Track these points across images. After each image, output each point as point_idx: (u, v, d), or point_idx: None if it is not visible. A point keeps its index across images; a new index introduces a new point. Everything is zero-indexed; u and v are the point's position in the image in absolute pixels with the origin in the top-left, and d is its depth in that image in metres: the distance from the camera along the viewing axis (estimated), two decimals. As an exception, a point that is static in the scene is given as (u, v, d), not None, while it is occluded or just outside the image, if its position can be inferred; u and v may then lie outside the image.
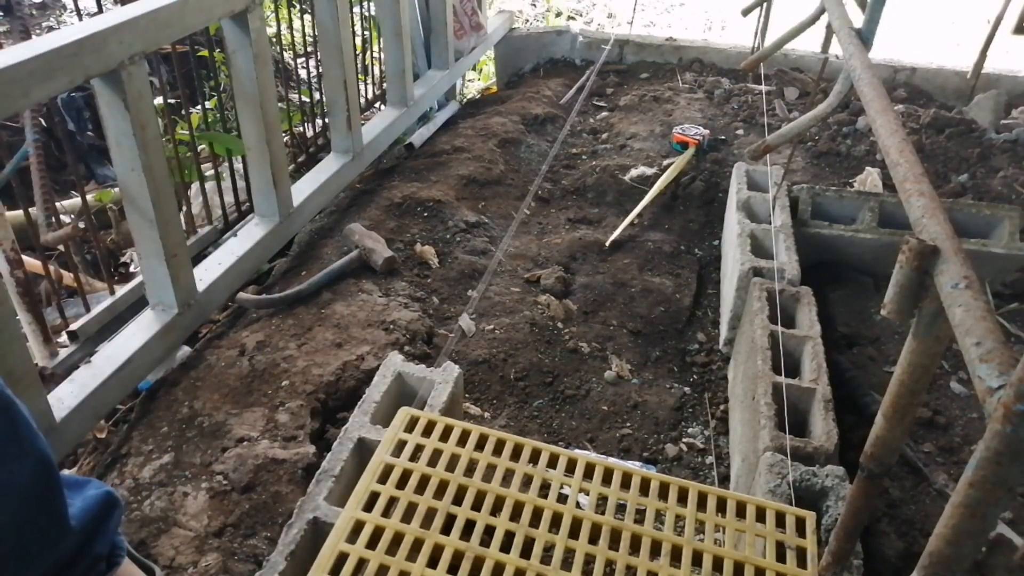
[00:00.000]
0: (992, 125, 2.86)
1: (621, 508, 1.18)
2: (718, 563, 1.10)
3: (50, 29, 4.20)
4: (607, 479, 1.22)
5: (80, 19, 1.57)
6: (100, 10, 1.63)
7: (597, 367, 1.87)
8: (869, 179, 2.48)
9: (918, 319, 0.82)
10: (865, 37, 1.61)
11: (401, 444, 1.25)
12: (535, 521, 1.14)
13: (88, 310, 1.73)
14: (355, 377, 1.70)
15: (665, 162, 2.71)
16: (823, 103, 1.75)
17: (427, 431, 1.28)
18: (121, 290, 1.80)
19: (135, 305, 1.80)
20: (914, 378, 0.85)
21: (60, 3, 4.53)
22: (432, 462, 1.22)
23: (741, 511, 1.18)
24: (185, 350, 1.84)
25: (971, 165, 2.64)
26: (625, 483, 1.22)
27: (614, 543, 1.12)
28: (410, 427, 1.29)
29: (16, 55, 1.25)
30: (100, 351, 1.62)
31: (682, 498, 1.19)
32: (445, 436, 1.27)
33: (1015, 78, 3.25)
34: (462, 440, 1.27)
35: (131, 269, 2.63)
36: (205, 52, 2.26)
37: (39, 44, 1.30)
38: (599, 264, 2.26)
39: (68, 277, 2.13)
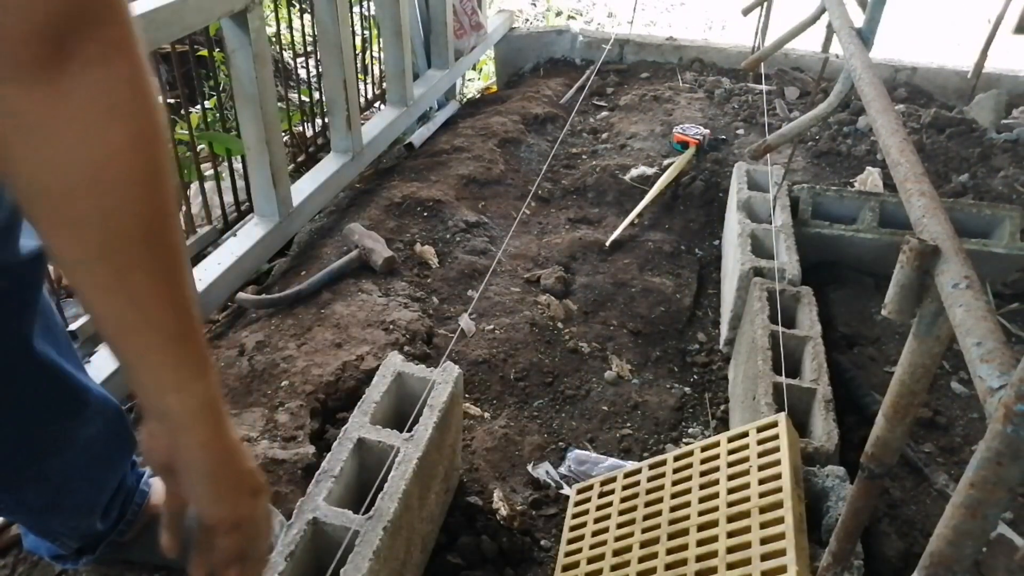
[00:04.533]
0: (993, 125, 2.86)
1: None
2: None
3: (50, 29, 4.19)
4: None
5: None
6: (100, 10, 1.62)
7: (597, 367, 1.87)
8: (870, 179, 2.47)
9: (919, 319, 0.82)
10: (865, 37, 1.61)
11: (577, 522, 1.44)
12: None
13: (88, 310, 1.72)
14: (355, 377, 1.70)
15: (665, 162, 2.71)
16: (824, 103, 1.75)
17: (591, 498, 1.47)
18: (121, 290, 1.79)
19: (135, 305, 1.79)
20: (915, 378, 0.85)
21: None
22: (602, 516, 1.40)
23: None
24: (185, 350, 1.83)
25: (972, 165, 2.63)
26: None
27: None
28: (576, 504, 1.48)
29: (15, 55, 1.25)
30: (100, 351, 1.62)
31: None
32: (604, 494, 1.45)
33: (1016, 78, 3.25)
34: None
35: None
36: (205, 52, 2.26)
37: (38, 44, 1.30)
38: (599, 264, 2.26)
39: (68, 277, 2.13)
